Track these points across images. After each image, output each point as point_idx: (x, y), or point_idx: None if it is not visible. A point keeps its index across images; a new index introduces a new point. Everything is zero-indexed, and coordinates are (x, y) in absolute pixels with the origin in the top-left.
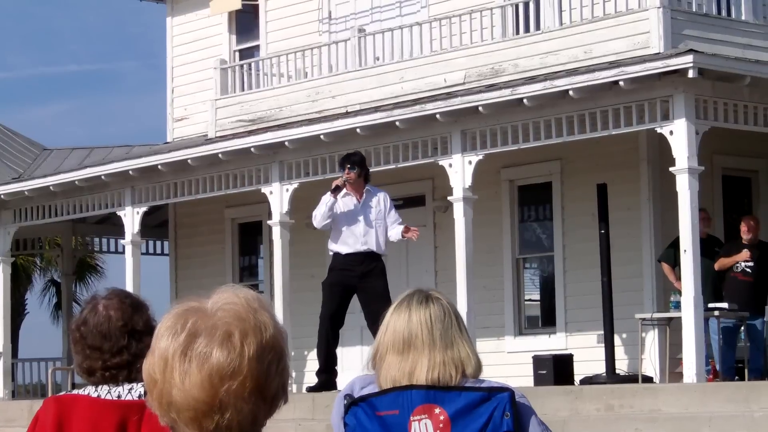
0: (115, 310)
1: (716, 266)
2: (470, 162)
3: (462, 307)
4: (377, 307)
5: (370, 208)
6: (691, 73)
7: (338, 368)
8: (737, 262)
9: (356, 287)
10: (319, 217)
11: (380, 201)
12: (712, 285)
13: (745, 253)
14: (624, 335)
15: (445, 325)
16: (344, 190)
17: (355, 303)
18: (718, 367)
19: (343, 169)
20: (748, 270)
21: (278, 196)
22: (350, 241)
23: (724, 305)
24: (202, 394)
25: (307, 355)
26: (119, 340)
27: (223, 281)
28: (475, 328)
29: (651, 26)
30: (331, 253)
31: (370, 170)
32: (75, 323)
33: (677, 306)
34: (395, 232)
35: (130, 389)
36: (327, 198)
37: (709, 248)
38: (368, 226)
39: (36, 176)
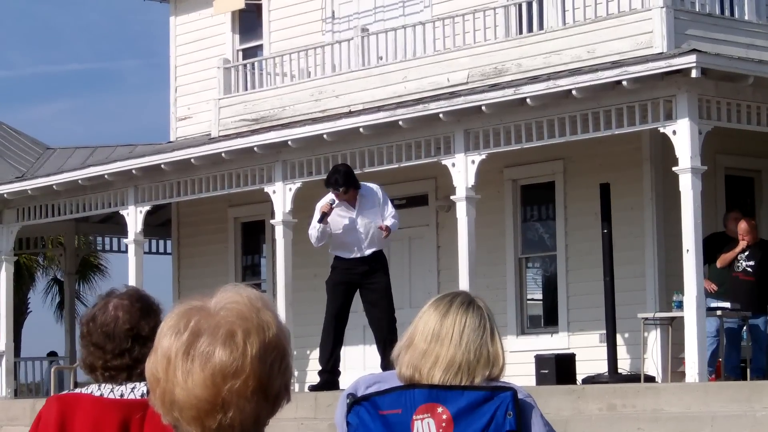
0: (123, 312)
1: (718, 263)
2: (473, 161)
3: None
4: (379, 305)
5: (366, 212)
6: (694, 73)
7: (340, 368)
8: (738, 258)
9: (359, 285)
10: (313, 239)
11: (374, 201)
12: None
13: (743, 243)
14: (626, 335)
15: (477, 335)
16: (337, 201)
17: (357, 301)
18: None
19: (329, 187)
20: (749, 270)
21: (281, 195)
22: (353, 250)
23: (727, 305)
24: (205, 393)
25: (309, 354)
26: (122, 343)
27: (225, 280)
28: None
29: (654, 26)
30: (333, 254)
31: (373, 170)
32: (85, 317)
33: (680, 305)
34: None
35: (133, 388)
36: (316, 224)
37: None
38: (368, 231)
39: (39, 175)
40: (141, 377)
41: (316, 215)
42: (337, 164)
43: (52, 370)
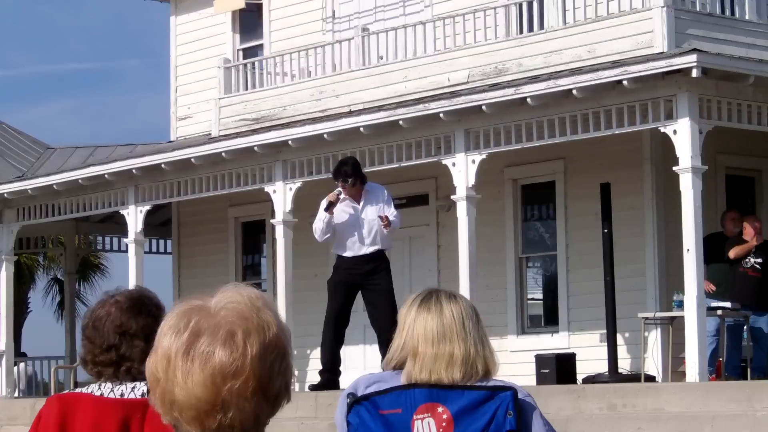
0: (116, 309)
1: (732, 254)
2: (473, 161)
3: None
4: (381, 305)
5: (370, 208)
6: (694, 73)
7: (341, 368)
8: (751, 251)
9: (361, 285)
10: (319, 231)
11: (379, 198)
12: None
13: (759, 238)
14: (627, 334)
15: (474, 322)
16: (343, 194)
17: (358, 301)
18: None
19: (337, 181)
20: (758, 266)
21: (281, 194)
22: (355, 247)
23: (727, 304)
24: (205, 394)
25: (309, 354)
26: (109, 338)
27: (226, 280)
28: None
29: (655, 25)
30: (335, 254)
31: (374, 170)
32: (86, 312)
33: (680, 305)
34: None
35: (133, 388)
36: (323, 214)
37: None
38: (371, 227)
39: (39, 175)
40: (128, 374)
41: (323, 206)
42: (346, 157)
43: (52, 370)
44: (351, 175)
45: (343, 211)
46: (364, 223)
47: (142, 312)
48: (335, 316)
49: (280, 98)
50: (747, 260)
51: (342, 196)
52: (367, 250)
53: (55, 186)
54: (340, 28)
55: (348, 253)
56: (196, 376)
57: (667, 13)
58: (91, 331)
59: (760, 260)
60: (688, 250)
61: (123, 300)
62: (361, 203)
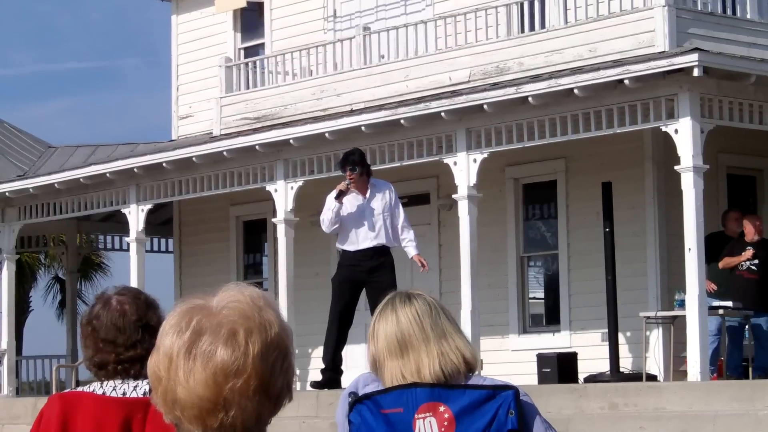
0: (129, 306)
1: (720, 265)
2: (475, 160)
3: (466, 305)
4: None
5: (376, 202)
6: (696, 72)
7: (343, 367)
8: (741, 262)
9: (365, 282)
10: (327, 222)
11: (386, 194)
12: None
13: (749, 252)
14: (628, 333)
15: (434, 318)
16: (351, 186)
17: (360, 300)
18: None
19: (344, 170)
20: (754, 268)
21: (283, 194)
22: (359, 240)
23: (728, 304)
24: (207, 392)
25: (311, 353)
26: (133, 334)
27: (227, 279)
28: (479, 327)
29: (656, 25)
30: (339, 250)
31: (375, 168)
32: (87, 318)
33: (681, 304)
34: (408, 248)
35: (135, 387)
36: (332, 203)
37: (743, 249)
38: (376, 221)
39: (41, 174)
40: None
41: (332, 195)
42: (351, 148)
43: (54, 368)
44: (358, 164)
45: (349, 203)
46: (370, 216)
47: (154, 305)
48: (339, 315)
49: (281, 97)
50: (743, 262)
51: (350, 188)
52: (371, 243)
53: (56, 185)
54: (341, 27)
55: (351, 247)
56: (197, 375)
57: (668, 12)
58: (110, 331)
59: (756, 261)
60: (689, 249)
61: (132, 297)
62: (367, 196)
